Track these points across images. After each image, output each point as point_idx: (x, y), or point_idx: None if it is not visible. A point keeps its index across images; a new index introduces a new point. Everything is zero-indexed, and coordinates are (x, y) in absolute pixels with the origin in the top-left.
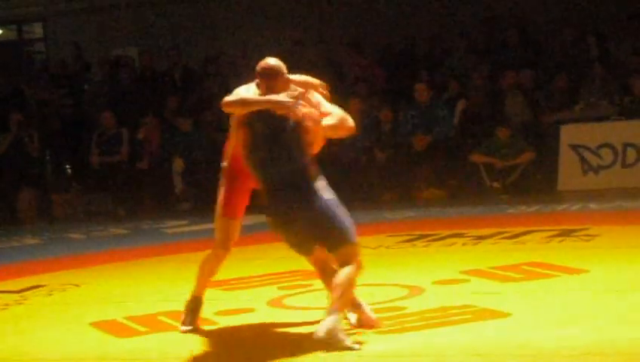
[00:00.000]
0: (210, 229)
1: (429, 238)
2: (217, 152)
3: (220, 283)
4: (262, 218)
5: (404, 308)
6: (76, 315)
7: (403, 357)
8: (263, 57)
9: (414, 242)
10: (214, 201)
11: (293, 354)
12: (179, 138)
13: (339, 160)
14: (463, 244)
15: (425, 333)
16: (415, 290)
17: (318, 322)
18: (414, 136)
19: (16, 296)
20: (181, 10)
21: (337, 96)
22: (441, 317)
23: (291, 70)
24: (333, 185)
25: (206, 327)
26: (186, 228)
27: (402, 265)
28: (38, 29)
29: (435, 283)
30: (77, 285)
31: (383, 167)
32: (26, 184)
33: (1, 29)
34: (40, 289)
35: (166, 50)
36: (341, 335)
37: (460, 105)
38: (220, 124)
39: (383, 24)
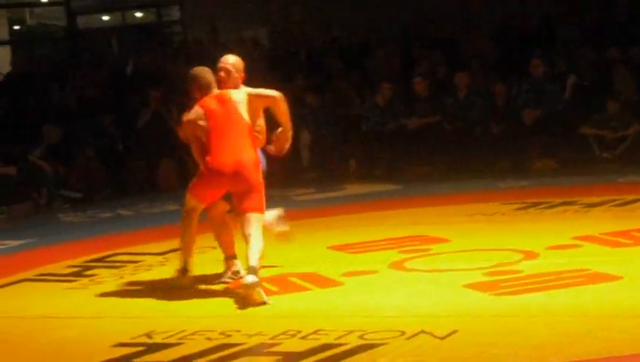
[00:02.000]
0: (332, 198)
1: (542, 206)
2: (341, 126)
3: (345, 247)
4: (380, 187)
5: (519, 272)
6: (214, 276)
7: (518, 318)
8: (383, 38)
9: (528, 209)
10: (337, 172)
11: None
12: (306, 112)
13: (456, 132)
14: (575, 212)
15: (539, 295)
16: (530, 255)
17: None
18: (525, 109)
19: (159, 258)
20: None
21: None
22: (555, 280)
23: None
24: (452, 154)
25: (331, 288)
26: (313, 196)
27: (517, 231)
28: (175, 12)
29: (548, 248)
30: (214, 247)
31: (497, 138)
32: (165, 155)
33: (142, 12)
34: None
35: (293, 30)
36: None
37: (571, 80)
38: (343, 100)
39: (498, 2)
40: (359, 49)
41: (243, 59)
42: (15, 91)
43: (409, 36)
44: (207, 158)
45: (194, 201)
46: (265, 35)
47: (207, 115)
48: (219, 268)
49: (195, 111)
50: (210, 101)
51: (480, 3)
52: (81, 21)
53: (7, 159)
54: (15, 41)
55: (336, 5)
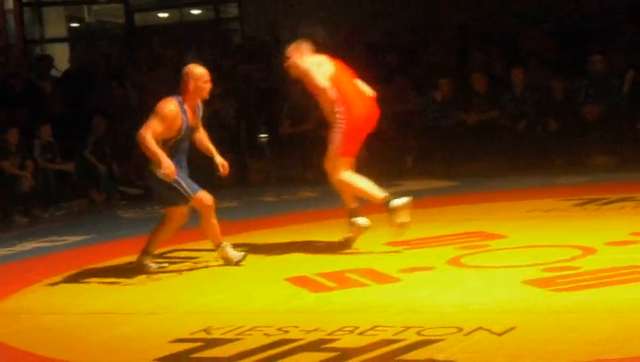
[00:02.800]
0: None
1: (600, 202)
2: (398, 122)
3: (402, 243)
4: (437, 183)
5: (578, 268)
6: (271, 271)
7: (576, 314)
8: (438, 34)
9: (586, 206)
10: (394, 168)
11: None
12: None
13: (513, 128)
14: (633, 208)
15: (598, 291)
16: (588, 251)
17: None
18: (586, 105)
19: (216, 255)
20: None
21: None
22: (613, 276)
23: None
24: (509, 150)
25: (388, 284)
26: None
27: (575, 227)
28: (233, 9)
29: (606, 244)
30: (272, 243)
31: (555, 134)
32: (223, 151)
33: (200, 9)
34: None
35: (347, 27)
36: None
37: (629, 75)
38: (401, 96)
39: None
40: (417, 45)
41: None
42: (73, 88)
43: (466, 32)
44: (354, 110)
45: (346, 160)
46: (323, 31)
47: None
48: (269, 266)
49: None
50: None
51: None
52: (139, 18)
53: (66, 156)
54: (73, 39)
55: (395, 1)
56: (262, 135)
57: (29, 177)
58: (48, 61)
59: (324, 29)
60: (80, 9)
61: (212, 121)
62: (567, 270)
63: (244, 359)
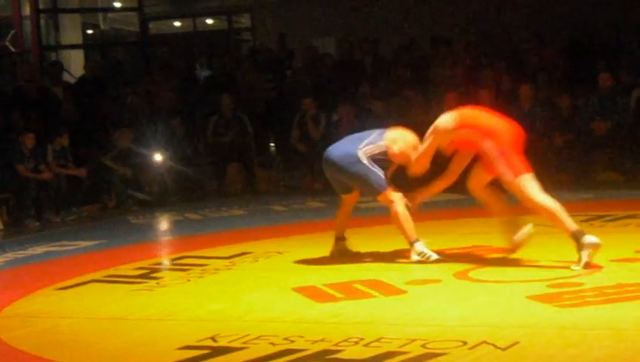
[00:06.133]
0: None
1: (606, 219)
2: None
3: (410, 255)
4: (445, 196)
5: (582, 284)
6: (279, 280)
7: (580, 330)
8: (449, 49)
9: (591, 222)
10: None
11: (471, 320)
12: (372, 120)
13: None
14: (638, 225)
15: (602, 308)
16: (593, 267)
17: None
18: (594, 121)
19: (225, 262)
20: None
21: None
22: (618, 294)
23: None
24: None
25: (395, 296)
26: (378, 203)
27: None
28: (245, 19)
29: (611, 261)
30: (279, 253)
31: (560, 150)
32: (233, 160)
33: (213, 19)
34: (246, 255)
35: (359, 40)
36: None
37: (636, 92)
38: (407, 109)
39: (565, 17)
40: (425, 59)
41: (311, 66)
42: (87, 94)
43: (475, 47)
44: (496, 136)
45: (527, 176)
46: (333, 43)
47: None
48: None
49: None
50: None
51: (549, 19)
52: (153, 27)
53: (79, 161)
54: (88, 45)
55: (404, 15)
56: (271, 144)
57: (49, 174)
58: (58, 67)
59: (335, 41)
60: (95, 16)
61: (222, 130)
62: (571, 286)
63: None
